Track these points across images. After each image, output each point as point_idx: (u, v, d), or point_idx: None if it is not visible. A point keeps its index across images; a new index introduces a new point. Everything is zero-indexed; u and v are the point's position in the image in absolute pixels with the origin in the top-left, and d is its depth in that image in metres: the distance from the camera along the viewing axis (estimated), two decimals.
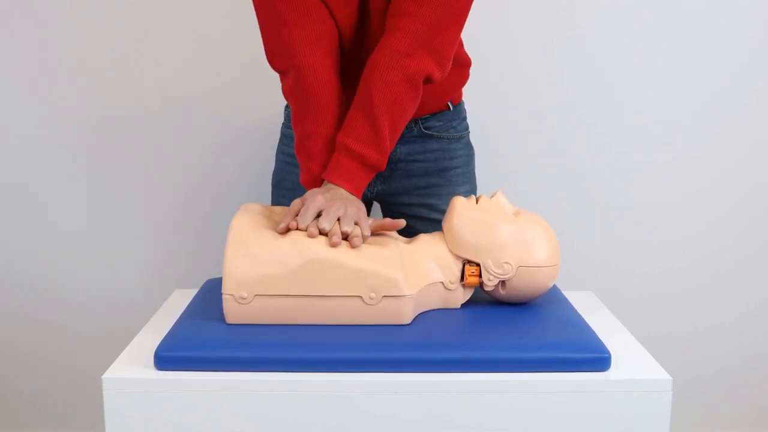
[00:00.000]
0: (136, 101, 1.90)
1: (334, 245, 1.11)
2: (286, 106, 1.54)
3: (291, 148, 1.51)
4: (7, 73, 1.88)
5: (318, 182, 1.27)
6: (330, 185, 1.23)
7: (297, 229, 1.14)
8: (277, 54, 1.30)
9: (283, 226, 1.14)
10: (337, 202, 1.16)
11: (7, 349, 2.03)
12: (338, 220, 1.14)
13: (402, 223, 1.20)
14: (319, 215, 1.15)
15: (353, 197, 1.22)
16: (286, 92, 1.33)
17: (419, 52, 1.24)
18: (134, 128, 1.91)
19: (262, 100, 1.89)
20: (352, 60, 1.34)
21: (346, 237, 1.13)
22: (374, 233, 1.21)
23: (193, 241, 1.97)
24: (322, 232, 1.13)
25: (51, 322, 2.01)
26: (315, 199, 1.16)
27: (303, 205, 1.17)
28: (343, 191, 1.22)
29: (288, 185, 1.51)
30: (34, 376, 2.04)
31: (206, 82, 1.89)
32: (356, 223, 1.15)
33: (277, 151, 1.57)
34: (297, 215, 1.16)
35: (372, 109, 1.24)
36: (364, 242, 1.14)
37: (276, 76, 1.60)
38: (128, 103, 1.90)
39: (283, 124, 1.55)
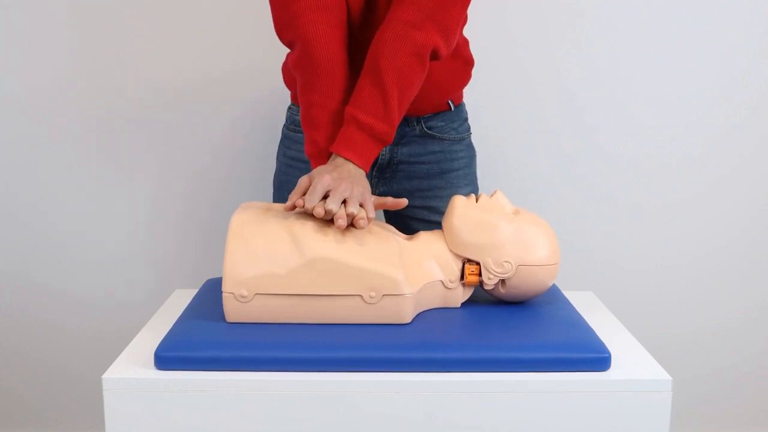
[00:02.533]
0: (136, 101, 1.89)
1: (340, 227, 1.11)
2: (288, 107, 1.54)
3: (293, 151, 1.51)
4: (7, 73, 1.88)
5: (323, 155, 1.27)
6: (338, 160, 1.23)
7: (303, 207, 1.14)
8: (285, 24, 1.30)
9: (289, 203, 1.14)
10: (344, 182, 1.16)
11: (7, 349, 2.03)
12: (344, 202, 1.14)
13: (404, 201, 1.21)
14: (326, 196, 1.16)
15: (360, 173, 1.22)
16: (293, 64, 1.33)
17: (427, 24, 1.25)
18: (134, 128, 1.91)
19: (264, 100, 1.89)
20: (360, 34, 1.34)
21: (351, 219, 1.13)
22: (375, 231, 1.21)
23: (193, 242, 1.97)
24: (328, 213, 1.13)
25: (51, 323, 2.01)
26: (322, 178, 1.16)
27: (310, 182, 1.17)
28: (350, 167, 1.22)
29: (289, 187, 1.50)
30: (34, 376, 2.04)
31: (207, 82, 1.89)
32: (361, 205, 1.15)
33: (279, 153, 1.57)
34: (304, 193, 1.16)
35: (381, 80, 1.24)
36: (369, 223, 1.14)
37: (277, 74, 1.60)
38: (129, 103, 1.90)
39: (284, 125, 1.55)
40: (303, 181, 1.19)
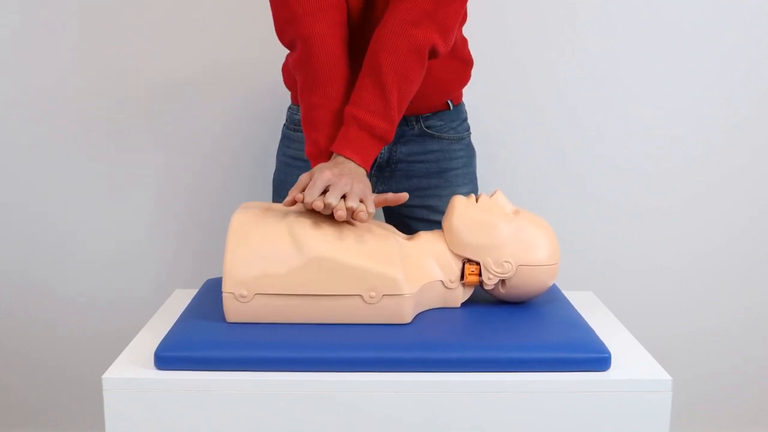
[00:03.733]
0: (136, 101, 1.90)
1: (339, 218, 1.11)
2: (289, 107, 1.54)
3: (292, 150, 1.51)
4: (8, 73, 1.88)
5: (323, 155, 1.27)
6: (339, 159, 1.23)
7: (303, 202, 1.14)
8: (286, 24, 1.30)
9: (289, 198, 1.14)
10: (344, 178, 1.16)
11: (7, 349, 2.03)
12: (344, 197, 1.14)
13: (405, 196, 1.21)
14: (326, 191, 1.16)
15: (361, 172, 1.22)
16: (294, 64, 1.33)
17: (425, 22, 1.25)
18: (134, 128, 1.91)
19: (263, 100, 1.89)
20: (359, 34, 1.35)
21: (351, 213, 1.13)
22: (375, 231, 1.21)
23: (193, 242, 1.97)
24: (327, 207, 1.13)
25: (51, 323, 2.01)
26: (323, 173, 1.16)
27: (310, 179, 1.17)
28: (351, 165, 1.22)
29: (289, 186, 1.51)
30: (34, 376, 2.04)
31: (206, 81, 1.89)
32: (361, 201, 1.15)
33: (278, 152, 1.57)
34: (304, 189, 1.17)
35: (380, 77, 1.24)
36: (369, 219, 1.14)
37: (278, 75, 1.60)
38: (128, 104, 1.90)
39: (284, 125, 1.55)
40: (303, 177, 1.19)
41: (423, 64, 1.28)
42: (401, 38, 1.25)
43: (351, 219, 1.16)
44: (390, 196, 1.22)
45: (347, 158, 1.23)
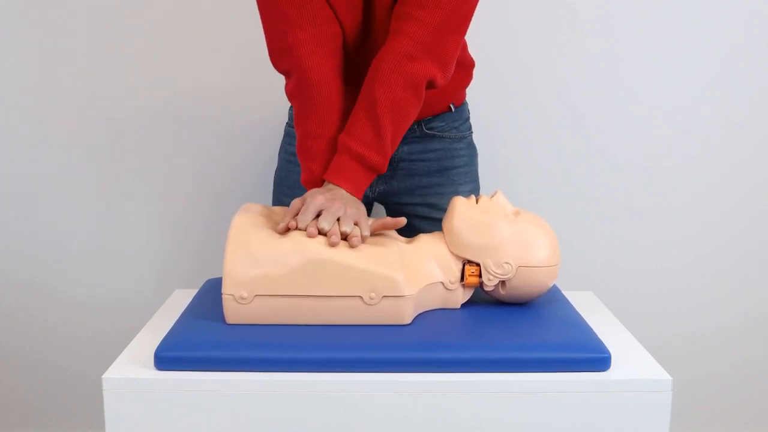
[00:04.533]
0: (137, 101, 1.89)
1: (332, 245, 1.11)
2: (291, 107, 1.54)
3: (294, 147, 1.51)
4: (9, 73, 1.88)
5: (319, 182, 1.27)
6: (331, 185, 1.23)
7: (297, 228, 1.14)
8: (281, 55, 1.30)
9: (282, 225, 1.14)
10: (337, 202, 1.16)
11: (7, 349, 2.03)
12: (338, 220, 1.14)
13: (403, 221, 1.21)
14: (319, 215, 1.16)
15: (353, 198, 1.22)
16: (289, 93, 1.33)
17: (423, 56, 1.25)
18: (134, 128, 1.91)
19: (265, 99, 1.89)
20: (356, 62, 1.35)
21: (345, 237, 1.13)
22: (374, 233, 1.21)
23: (193, 242, 1.97)
24: (321, 232, 1.13)
25: (51, 323, 2.01)
26: (315, 198, 1.16)
27: (303, 204, 1.17)
28: (343, 192, 1.22)
29: (290, 183, 1.51)
30: (34, 376, 2.04)
31: (208, 81, 1.89)
32: (356, 224, 1.15)
33: (280, 149, 1.57)
34: (297, 215, 1.16)
35: (374, 111, 1.24)
36: (363, 243, 1.14)
37: (280, 75, 1.60)
38: (129, 103, 1.90)
39: (287, 123, 1.56)
40: (296, 202, 1.19)
41: (419, 97, 1.27)
42: (397, 74, 1.24)
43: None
44: (388, 220, 1.21)
45: (339, 186, 1.23)
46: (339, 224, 1.14)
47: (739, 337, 2.05)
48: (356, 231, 1.14)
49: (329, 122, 1.29)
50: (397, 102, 1.24)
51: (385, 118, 1.24)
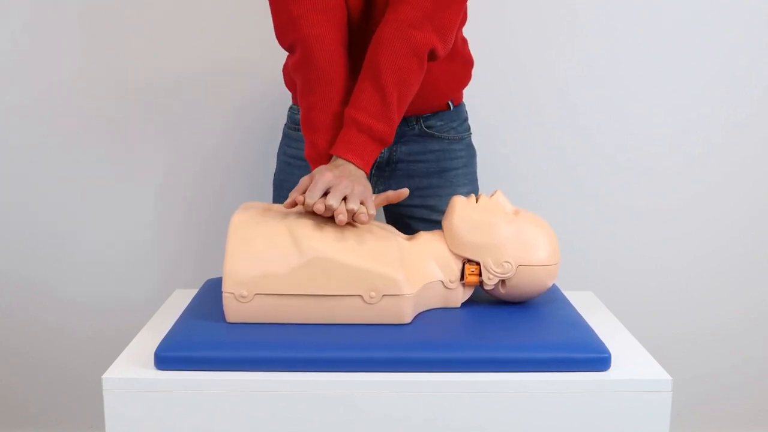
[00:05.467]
0: (135, 101, 1.89)
1: (340, 223, 1.11)
2: (290, 107, 1.54)
3: (293, 149, 1.51)
4: (9, 74, 1.88)
5: (322, 157, 1.27)
6: (338, 161, 1.23)
7: (304, 204, 1.14)
8: (285, 27, 1.30)
9: (290, 200, 1.14)
10: (344, 180, 1.16)
11: (7, 349, 2.03)
12: (344, 199, 1.14)
13: (406, 192, 1.22)
14: (326, 193, 1.15)
15: (361, 173, 1.22)
16: (293, 66, 1.33)
17: (425, 24, 1.25)
18: (134, 128, 1.91)
19: (264, 100, 1.89)
20: (359, 34, 1.35)
21: (352, 215, 1.13)
22: (375, 232, 1.21)
23: (193, 241, 1.97)
24: (328, 209, 1.13)
25: (51, 323, 2.01)
26: (323, 175, 1.16)
27: (311, 181, 1.17)
28: (351, 167, 1.22)
29: (289, 186, 1.51)
30: (34, 376, 2.04)
31: (206, 81, 1.89)
32: (362, 203, 1.15)
33: (279, 152, 1.57)
34: (305, 191, 1.16)
35: (380, 80, 1.24)
36: (369, 221, 1.14)
37: (278, 74, 1.60)
38: (127, 103, 1.90)
39: (285, 124, 1.55)
40: (304, 180, 1.19)
41: (422, 66, 1.28)
42: (400, 40, 1.25)
43: (352, 221, 1.16)
44: (390, 193, 1.22)
45: (347, 161, 1.23)
46: (346, 202, 1.14)
47: (739, 337, 2.05)
48: (363, 209, 1.14)
49: (333, 95, 1.28)
50: (401, 69, 1.25)
51: (391, 87, 1.24)
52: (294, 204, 1.15)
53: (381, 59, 1.25)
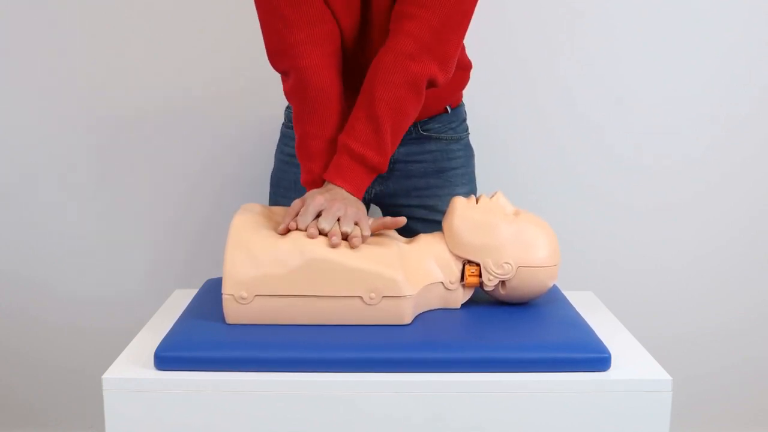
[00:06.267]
0: (135, 101, 1.89)
1: (333, 246, 1.11)
2: (287, 107, 1.54)
3: (290, 148, 1.51)
4: (8, 74, 1.88)
5: (319, 183, 1.27)
6: (330, 185, 1.23)
7: (297, 229, 1.14)
8: (279, 54, 1.30)
9: (282, 227, 1.14)
10: (337, 203, 1.16)
11: (7, 349, 2.03)
12: (338, 220, 1.14)
13: (403, 220, 1.20)
14: (319, 215, 1.15)
15: (353, 198, 1.22)
16: (288, 93, 1.33)
17: (423, 55, 1.24)
18: (134, 128, 1.91)
19: (262, 100, 1.89)
20: (354, 62, 1.34)
21: (345, 237, 1.13)
22: (374, 233, 1.21)
23: (193, 241, 1.97)
24: (321, 233, 1.13)
25: (51, 322, 2.01)
26: (315, 199, 1.16)
27: (303, 205, 1.17)
28: (343, 192, 1.22)
29: (286, 184, 1.51)
30: (34, 376, 2.04)
31: (206, 81, 1.89)
32: (356, 224, 1.15)
33: (277, 150, 1.57)
34: (297, 215, 1.16)
35: (374, 111, 1.24)
36: (363, 243, 1.14)
37: (276, 75, 1.60)
38: (127, 103, 1.90)
39: (283, 124, 1.56)
40: (296, 203, 1.18)
41: (419, 96, 1.27)
42: (397, 73, 1.24)
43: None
44: (388, 219, 1.21)
45: (339, 186, 1.23)
46: (339, 224, 1.14)
47: (739, 337, 2.05)
48: (357, 231, 1.14)
49: (328, 122, 1.28)
50: (397, 101, 1.24)
51: (385, 118, 1.24)
52: (287, 231, 1.14)
53: (377, 90, 1.24)
